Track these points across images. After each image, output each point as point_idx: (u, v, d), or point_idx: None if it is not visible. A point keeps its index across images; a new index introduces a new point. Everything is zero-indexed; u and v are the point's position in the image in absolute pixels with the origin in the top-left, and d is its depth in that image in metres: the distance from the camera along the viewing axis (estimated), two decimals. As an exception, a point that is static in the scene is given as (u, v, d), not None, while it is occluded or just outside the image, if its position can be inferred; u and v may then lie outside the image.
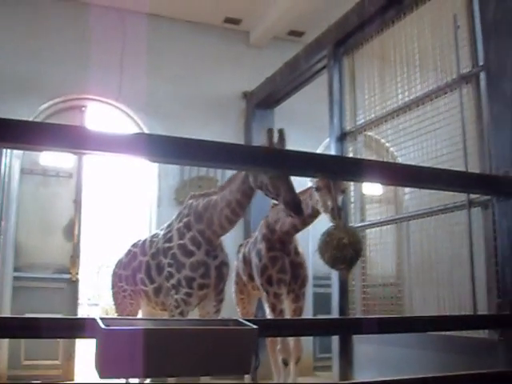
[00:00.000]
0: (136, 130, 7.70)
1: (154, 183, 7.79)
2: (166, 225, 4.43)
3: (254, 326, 2.07)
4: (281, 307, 4.48)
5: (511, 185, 3.32)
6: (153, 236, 4.54)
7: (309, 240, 5.55)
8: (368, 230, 5.29)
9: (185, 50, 8.14)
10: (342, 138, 5.59)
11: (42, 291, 6.88)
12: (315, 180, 4.13)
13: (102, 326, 1.92)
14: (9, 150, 6.61)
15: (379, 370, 4.58)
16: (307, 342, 7.06)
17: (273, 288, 4.46)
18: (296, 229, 4.51)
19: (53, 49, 7.42)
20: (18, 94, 7.08)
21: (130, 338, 1.91)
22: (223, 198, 3.95)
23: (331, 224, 4.11)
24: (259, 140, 3.70)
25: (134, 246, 4.73)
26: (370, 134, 5.48)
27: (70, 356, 6.84)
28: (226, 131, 7.61)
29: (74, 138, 2.17)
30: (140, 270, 4.43)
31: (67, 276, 7.04)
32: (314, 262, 4.23)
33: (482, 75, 3.96)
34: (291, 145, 3.48)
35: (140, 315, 4.85)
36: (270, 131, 3.71)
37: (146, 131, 7.60)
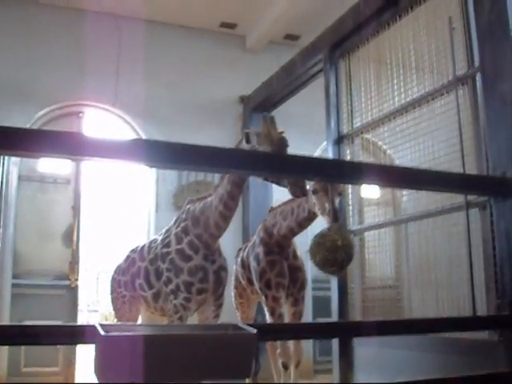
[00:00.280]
0: (133, 136, 7.71)
1: (152, 188, 7.79)
2: (164, 230, 4.43)
3: (254, 331, 2.07)
4: (280, 311, 4.48)
5: (508, 186, 3.33)
6: (151, 241, 4.54)
7: (307, 243, 5.54)
8: (366, 233, 5.29)
9: (181, 55, 8.15)
10: (340, 140, 5.59)
11: (41, 298, 6.87)
12: (312, 183, 4.13)
13: (102, 332, 1.92)
14: (6, 157, 6.61)
15: (379, 373, 4.58)
16: (307, 345, 7.06)
17: (271, 292, 4.46)
18: (293, 232, 4.51)
19: (49, 55, 7.43)
20: (15, 100, 7.08)
21: (130, 344, 1.91)
22: (217, 195, 3.96)
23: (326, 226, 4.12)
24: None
25: (133, 251, 4.73)
26: (367, 136, 5.48)
27: (70, 363, 6.82)
28: (224, 135, 7.60)
29: (71, 145, 2.18)
30: (139, 276, 4.43)
31: (66, 282, 7.03)
32: (312, 265, 4.22)
33: (478, 76, 3.97)
34: (289, 149, 3.49)
35: (139, 321, 4.84)
36: (265, 119, 3.70)
37: (143, 136, 7.61)
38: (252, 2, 7.71)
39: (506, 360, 3.39)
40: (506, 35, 3.56)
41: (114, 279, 4.97)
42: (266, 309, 4.54)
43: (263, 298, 4.54)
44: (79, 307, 7.98)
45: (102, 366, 1.91)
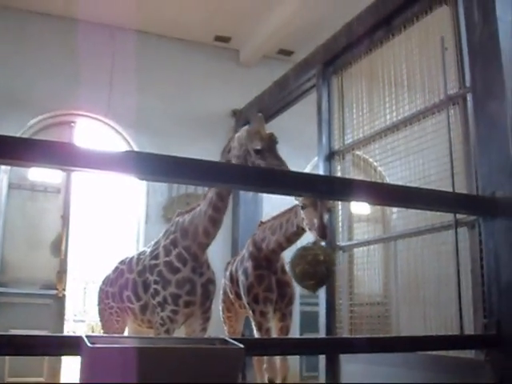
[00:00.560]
0: (125, 147, 7.71)
1: (142, 200, 7.79)
2: (153, 242, 4.43)
3: (241, 346, 2.06)
4: (267, 326, 4.47)
5: (497, 205, 3.35)
6: (140, 253, 4.53)
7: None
8: (355, 249, 5.30)
9: (174, 67, 8.17)
10: (331, 156, 5.61)
11: (28, 307, 6.82)
12: (301, 198, 4.14)
13: (88, 343, 1.92)
14: (-3, 165, 6.59)
15: (366, 390, 4.57)
16: (294, 360, 7.03)
17: (259, 306, 4.45)
18: (281, 247, 4.52)
19: (42, 64, 7.44)
20: (7, 108, 7.07)
21: (116, 356, 1.90)
22: (206, 201, 3.95)
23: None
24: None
25: (122, 263, 4.72)
26: (358, 153, 5.50)
27: (55, 373, 6.77)
28: (215, 148, 7.51)
29: (63, 155, 2.18)
30: (127, 288, 4.41)
31: (54, 292, 6.98)
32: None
33: (469, 96, 4.00)
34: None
35: (126, 332, 4.82)
36: (256, 117, 3.72)
37: (135, 147, 7.61)
38: (247, 17, 7.75)
39: (492, 380, 3.40)
40: (496, 56, 3.59)
41: (101, 290, 4.95)
42: (253, 323, 4.54)
43: (251, 312, 4.54)
44: (66, 317, 7.93)
45: (88, 378, 1.90)
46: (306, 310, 7.57)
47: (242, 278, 4.64)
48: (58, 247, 7.17)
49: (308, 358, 7.57)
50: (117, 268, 4.74)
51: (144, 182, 7.63)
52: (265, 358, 4.52)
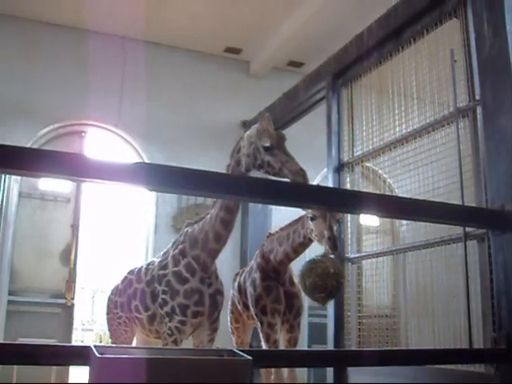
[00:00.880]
0: (134, 156, 7.74)
1: (152, 210, 7.81)
2: (162, 252, 4.43)
3: (249, 357, 2.06)
4: (275, 337, 4.45)
5: (506, 219, 3.34)
6: (149, 263, 4.53)
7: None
8: (364, 261, 5.29)
9: (185, 78, 8.21)
10: (340, 168, 5.61)
11: (37, 316, 6.86)
12: (310, 209, 4.14)
13: (97, 354, 1.92)
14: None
15: (374, 402, 4.55)
16: (302, 372, 7.00)
17: (267, 318, 4.44)
18: (289, 258, 4.51)
19: (53, 74, 7.50)
20: (18, 118, 7.14)
21: (124, 367, 1.91)
22: (216, 205, 3.92)
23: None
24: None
25: (131, 272, 4.72)
26: (367, 165, 5.50)
27: (62, 382, 6.78)
28: (225, 159, 7.58)
29: (73, 166, 2.19)
30: (135, 298, 4.41)
31: (62, 301, 7.02)
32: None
33: (479, 109, 3.99)
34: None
35: (134, 343, 4.82)
36: (264, 115, 3.73)
37: (145, 157, 7.65)
38: (257, 29, 7.79)
39: (502, 394, 3.38)
40: (506, 69, 3.60)
41: (110, 300, 4.95)
42: (261, 335, 4.52)
43: (259, 323, 4.52)
44: (74, 326, 7.95)
45: (96, 388, 1.91)
46: (314, 322, 7.55)
47: (250, 289, 4.63)
48: (68, 256, 7.20)
49: (316, 370, 7.53)
50: (125, 278, 4.75)
51: (153, 192, 7.65)
52: (273, 369, 4.51)
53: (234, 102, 8.35)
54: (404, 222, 4.93)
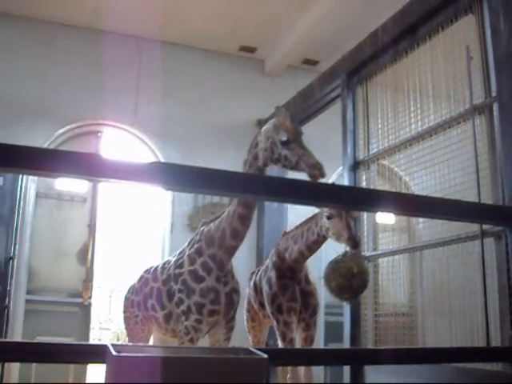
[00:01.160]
0: (150, 156, 7.78)
1: (168, 209, 7.83)
2: (178, 251, 4.44)
3: (265, 356, 2.06)
4: (291, 336, 4.45)
5: (524, 216, 3.31)
6: (165, 262, 4.54)
7: (321, 268, 5.54)
8: (381, 259, 5.27)
9: (200, 77, 8.23)
10: (356, 166, 5.60)
11: (54, 315, 6.90)
12: (326, 208, 4.13)
13: (113, 352, 1.93)
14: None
15: (391, 401, 4.53)
16: (318, 370, 7.00)
17: (283, 316, 4.43)
18: (303, 256, 4.50)
19: (70, 75, 7.55)
20: (35, 118, 7.19)
21: (141, 365, 1.92)
22: (234, 202, 3.93)
23: (344, 251, 4.12)
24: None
25: (147, 271, 4.74)
26: (383, 162, 5.48)
27: (80, 381, 6.82)
28: (240, 158, 7.59)
29: (90, 166, 2.20)
30: (151, 296, 4.43)
31: (80, 300, 7.06)
32: (325, 290, 4.22)
33: (495, 106, 3.97)
34: (305, 174, 3.49)
35: (151, 341, 4.84)
36: (280, 109, 3.72)
37: (161, 157, 7.67)
38: (271, 27, 7.79)
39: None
40: (523, 66, 3.57)
41: (127, 299, 4.98)
42: (277, 333, 4.52)
43: (275, 322, 4.52)
44: (91, 325, 8.00)
45: (113, 387, 1.92)
46: (330, 320, 7.53)
47: (265, 287, 4.63)
48: (85, 256, 7.25)
49: (332, 368, 7.52)
50: (142, 277, 4.77)
51: (169, 192, 7.67)
52: (289, 367, 4.51)
53: (249, 100, 8.35)
54: (420, 219, 4.91)
